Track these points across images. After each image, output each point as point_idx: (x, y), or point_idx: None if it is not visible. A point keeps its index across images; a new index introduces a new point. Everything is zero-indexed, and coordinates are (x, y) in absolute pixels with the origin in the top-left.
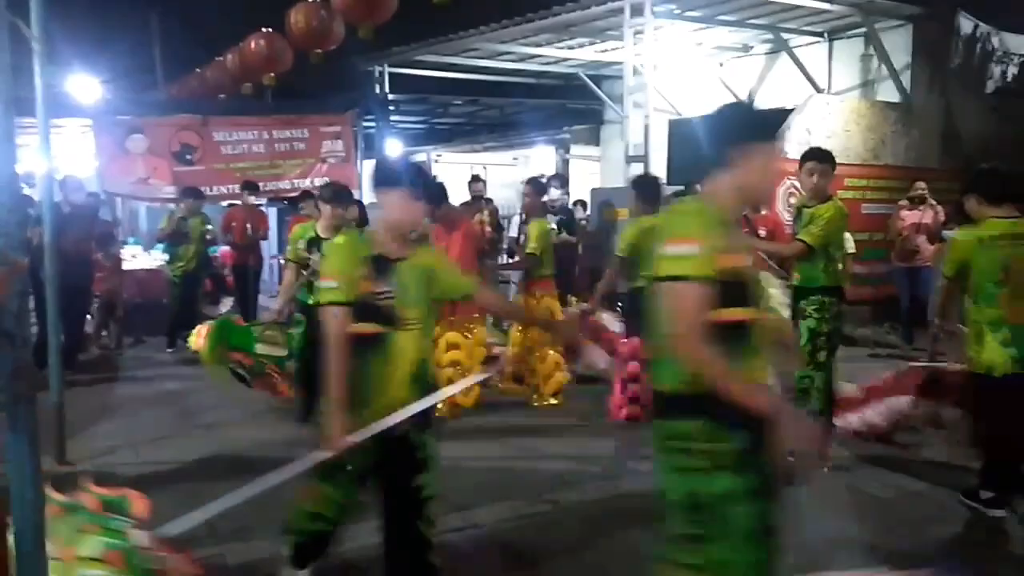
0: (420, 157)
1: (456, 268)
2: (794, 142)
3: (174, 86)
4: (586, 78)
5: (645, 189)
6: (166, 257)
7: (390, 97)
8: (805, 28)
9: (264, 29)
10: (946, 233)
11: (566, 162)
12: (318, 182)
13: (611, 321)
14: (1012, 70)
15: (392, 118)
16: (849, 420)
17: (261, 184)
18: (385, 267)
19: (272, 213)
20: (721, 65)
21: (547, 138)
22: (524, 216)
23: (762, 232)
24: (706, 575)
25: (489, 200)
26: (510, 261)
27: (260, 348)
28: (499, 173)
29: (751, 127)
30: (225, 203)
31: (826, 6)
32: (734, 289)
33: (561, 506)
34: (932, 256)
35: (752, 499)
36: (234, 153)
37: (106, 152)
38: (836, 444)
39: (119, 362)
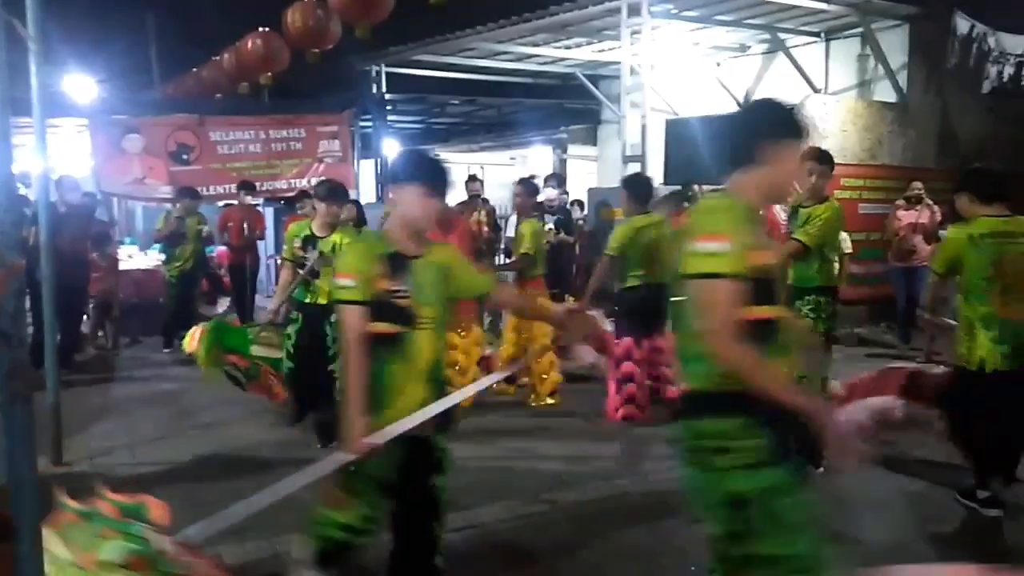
0: None
1: (473, 266)
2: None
3: (170, 86)
4: (583, 78)
5: (636, 188)
6: (163, 257)
7: (387, 97)
8: (802, 28)
9: (261, 28)
10: (943, 233)
11: (563, 162)
12: (315, 182)
13: (600, 319)
14: (1008, 70)
15: (389, 118)
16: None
17: (258, 184)
18: (402, 265)
19: (269, 213)
20: (718, 65)
21: (544, 138)
22: (516, 216)
23: None
24: (765, 570)
25: (485, 200)
26: (507, 261)
27: (256, 350)
28: (496, 173)
29: (782, 124)
30: (222, 203)
31: (823, 6)
32: (763, 287)
33: (559, 506)
34: (929, 256)
35: (794, 491)
36: (231, 153)
37: (102, 152)
38: None
39: (115, 362)
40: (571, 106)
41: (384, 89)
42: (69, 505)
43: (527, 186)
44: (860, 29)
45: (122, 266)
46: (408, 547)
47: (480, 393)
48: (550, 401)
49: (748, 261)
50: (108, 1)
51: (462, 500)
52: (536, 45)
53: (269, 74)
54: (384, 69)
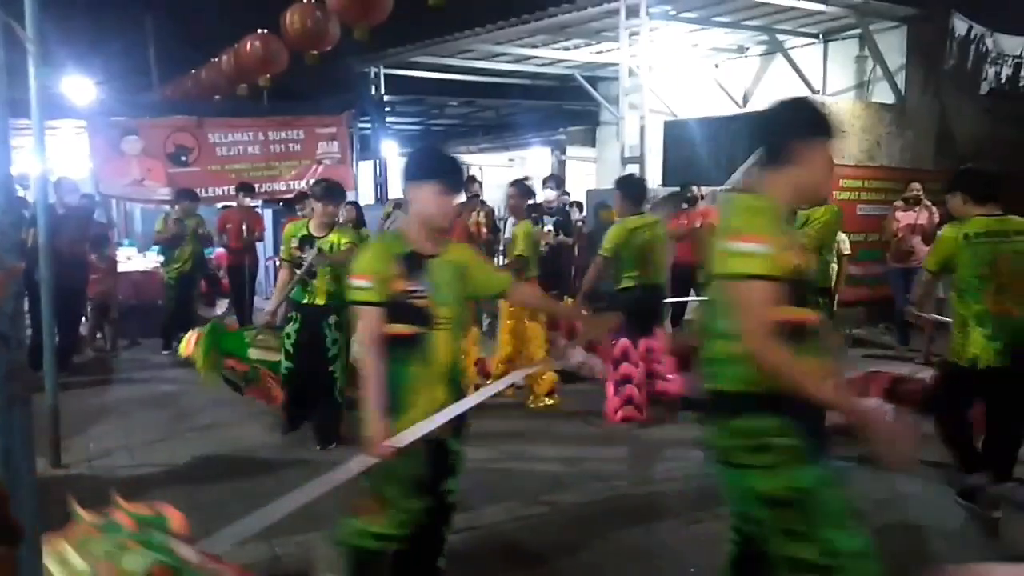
0: None
1: (489, 265)
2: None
3: (169, 87)
4: (582, 79)
5: (630, 189)
6: (161, 259)
7: (386, 98)
8: (800, 30)
9: (259, 30)
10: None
11: (562, 163)
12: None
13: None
14: (1006, 71)
15: (388, 119)
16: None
17: (257, 185)
18: (418, 265)
19: (268, 214)
20: (717, 66)
21: (543, 139)
22: (510, 218)
23: None
24: (809, 568)
25: (484, 201)
26: (506, 263)
27: (254, 353)
28: (495, 174)
29: (814, 123)
30: (220, 205)
31: (821, 7)
32: (797, 288)
33: (558, 508)
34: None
35: (834, 488)
36: (229, 155)
37: (101, 154)
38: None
39: (114, 364)
40: (570, 107)
41: (383, 90)
42: (83, 516)
43: (520, 187)
44: (858, 30)
45: (121, 268)
46: (415, 548)
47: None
48: (548, 401)
49: (786, 262)
50: (106, 3)
51: (461, 501)
52: (535, 46)
53: (268, 76)
54: (383, 70)
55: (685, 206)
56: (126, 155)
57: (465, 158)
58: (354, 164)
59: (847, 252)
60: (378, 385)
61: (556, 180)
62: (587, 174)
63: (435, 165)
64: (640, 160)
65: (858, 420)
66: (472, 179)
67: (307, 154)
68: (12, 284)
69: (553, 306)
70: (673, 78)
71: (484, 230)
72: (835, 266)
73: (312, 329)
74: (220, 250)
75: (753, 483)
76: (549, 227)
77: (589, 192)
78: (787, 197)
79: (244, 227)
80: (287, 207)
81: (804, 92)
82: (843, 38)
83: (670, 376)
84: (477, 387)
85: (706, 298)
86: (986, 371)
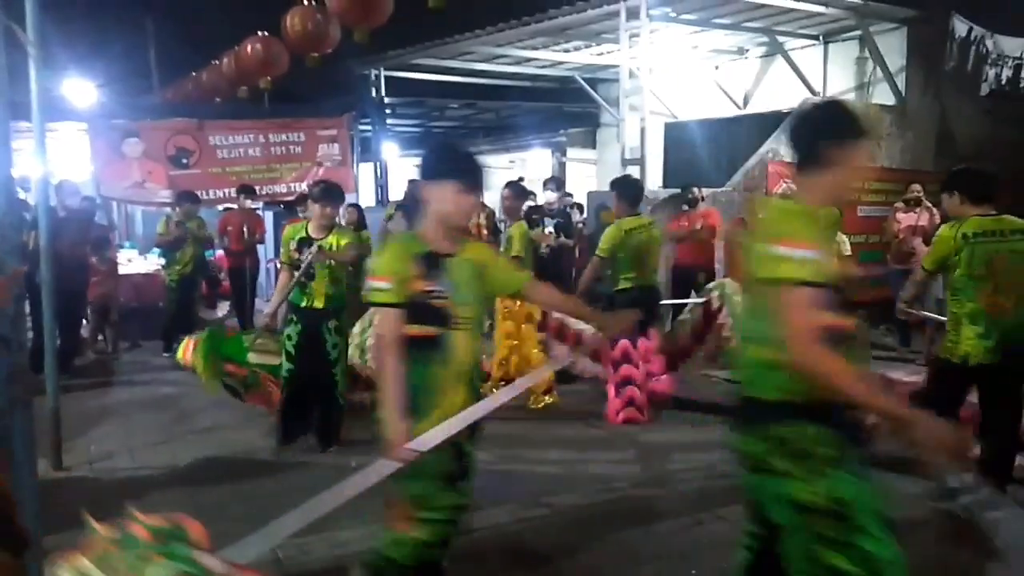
0: (416, 160)
1: (507, 263)
2: (790, 144)
3: (170, 90)
4: (582, 81)
5: (626, 190)
6: (162, 261)
7: (386, 100)
8: (800, 31)
9: (260, 33)
10: None
11: (562, 165)
12: None
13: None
14: (1006, 73)
15: (388, 121)
16: None
17: (257, 188)
18: (437, 264)
19: (268, 217)
20: (717, 68)
21: (543, 141)
22: (506, 219)
23: None
24: (864, 568)
25: (484, 204)
26: None
27: (253, 357)
28: (496, 176)
29: (848, 125)
30: (221, 207)
31: (821, 9)
32: (839, 294)
33: (559, 509)
34: None
35: (875, 496)
36: (230, 157)
37: (102, 156)
38: None
39: (115, 366)
40: (570, 109)
41: (383, 93)
42: (100, 532)
43: (515, 189)
44: (858, 32)
45: (122, 270)
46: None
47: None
48: (547, 400)
49: (830, 268)
50: (107, 5)
51: None
52: (535, 48)
53: (268, 78)
54: (383, 73)
55: (686, 208)
56: (127, 158)
57: None
58: (355, 166)
59: (848, 254)
60: (398, 387)
61: (556, 182)
62: (587, 176)
63: (453, 163)
64: (641, 162)
65: (908, 424)
66: None
67: (308, 156)
68: (14, 287)
69: (571, 305)
70: (673, 80)
71: (485, 232)
72: None
73: (311, 332)
74: (221, 252)
75: (790, 490)
76: (550, 229)
77: (590, 194)
78: (822, 201)
79: (245, 229)
80: (288, 209)
81: (804, 94)
82: (843, 39)
83: (660, 376)
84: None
85: (699, 299)
86: (977, 368)
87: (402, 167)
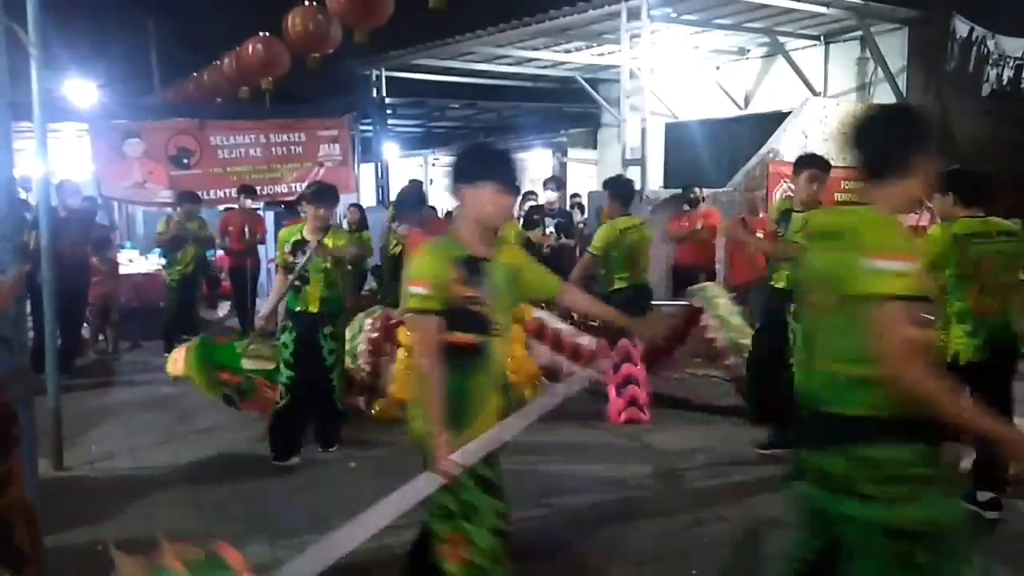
0: (417, 161)
1: (541, 267)
2: (790, 145)
3: (171, 90)
4: (583, 81)
5: (618, 190)
6: (163, 261)
7: (387, 101)
8: (801, 32)
9: (261, 33)
10: None
11: (563, 165)
12: None
13: (552, 319)
14: (1008, 73)
15: (389, 122)
16: None
17: (258, 188)
18: (478, 269)
19: (269, 217)
20: (718, 68)
21: (544, 141)
22: None
23: (759, 234)
24: None
25: None
26: None
27: (247, 364)
28: None
29: (926, 135)
30: (222, 207)
31: (822, 9)
32: (926, 307)
33: (560, 509)
34: None
35: (964, 522)
36: (231, 157)
37: (102, 156)
38: None
39: (116, 366)
40: (571, 110)
41: (384, 93)
42: (128, 565)
43: None
44: (859, 32)
45: (122, 270)
46: (430, 548)
47: None
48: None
49: (926, 281)
50: (108, 6)
51: None
52: (536, 49)
53: (269, 78)
54: (384, 73)
55: (686, 208)
56: (128, 158)
57: None
58: (356, 166)
59: None
60: (439, 398)
61: (557, 182)
62: (588, 176)
63: (489, 164)
64: (641, 162)
65: (1007, 443)
66: None
67: (309, 156)
68: (19, 288)
69: (602, 308)
70: (674, 80)
71: None
72: None
73: (307, 339)
74: (222, 252)
75: (879, 514)
76: (551, 229)
77: (590, 194)
78: (895, 209)
79: (246, 229)
80: (289, 209)
81: (805, 94)
82: (844, 40)
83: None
84: None
85: (681, 301)
86: (966, 366)
87: (403, 167)
